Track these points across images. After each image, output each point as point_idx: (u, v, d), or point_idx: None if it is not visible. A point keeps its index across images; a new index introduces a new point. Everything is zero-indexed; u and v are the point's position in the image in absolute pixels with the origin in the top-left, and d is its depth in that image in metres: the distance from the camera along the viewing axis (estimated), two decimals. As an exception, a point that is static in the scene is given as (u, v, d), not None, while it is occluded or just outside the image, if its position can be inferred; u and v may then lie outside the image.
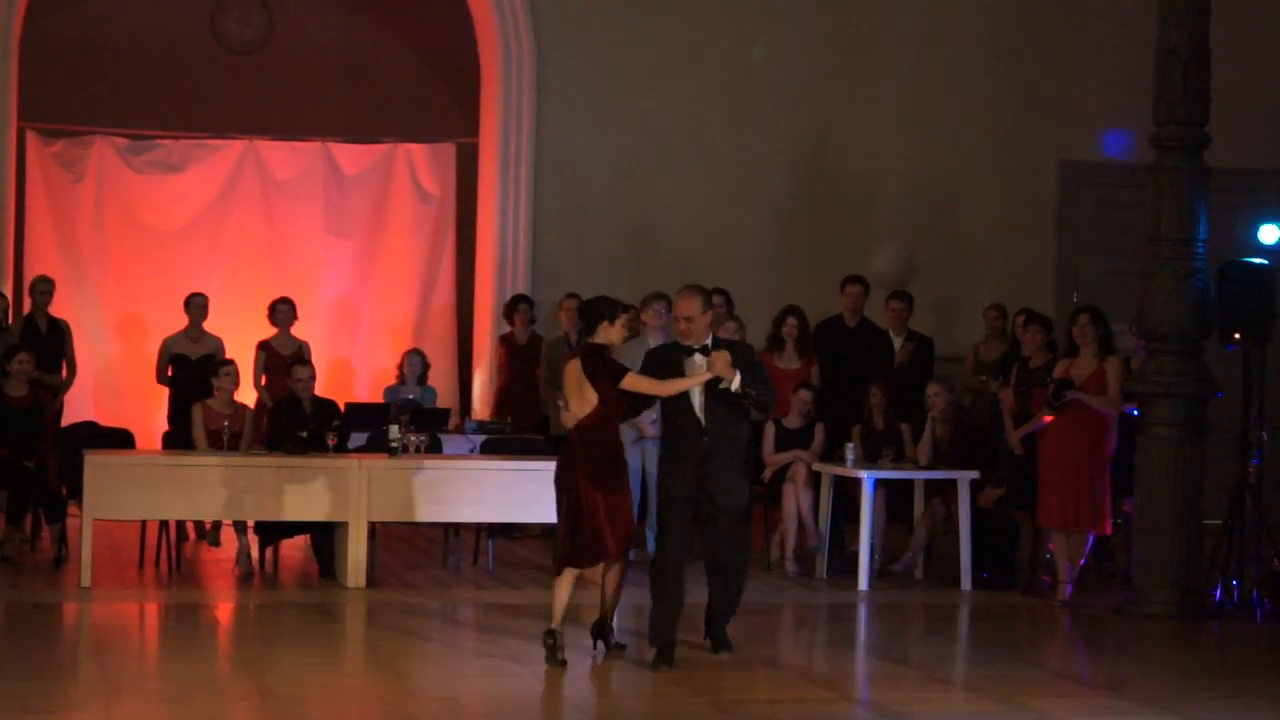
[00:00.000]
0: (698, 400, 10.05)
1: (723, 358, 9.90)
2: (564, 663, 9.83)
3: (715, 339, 10.25)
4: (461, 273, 17.71)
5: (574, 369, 10.00)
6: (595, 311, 10.13)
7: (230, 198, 17.38)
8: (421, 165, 17.69)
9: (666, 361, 10.18)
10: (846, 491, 13.60)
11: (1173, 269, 12.35)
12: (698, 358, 10.05)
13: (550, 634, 9.89)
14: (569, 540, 9.92)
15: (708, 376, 9.91)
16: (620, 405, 9.97)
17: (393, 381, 15.77)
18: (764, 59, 17.14)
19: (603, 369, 9.90)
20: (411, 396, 15.13)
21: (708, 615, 10.49)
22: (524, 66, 16.82)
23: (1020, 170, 17.62)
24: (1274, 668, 10.75)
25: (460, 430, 14.91)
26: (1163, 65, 12.40)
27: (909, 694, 9.62)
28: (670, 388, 9.99)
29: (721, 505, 10.13)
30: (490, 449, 13.97)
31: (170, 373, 14.99)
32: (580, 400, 9.94)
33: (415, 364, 15.61)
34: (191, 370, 14.66)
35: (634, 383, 9.92)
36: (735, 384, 9.93)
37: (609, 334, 10.04)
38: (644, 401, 10.19)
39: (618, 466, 10.02)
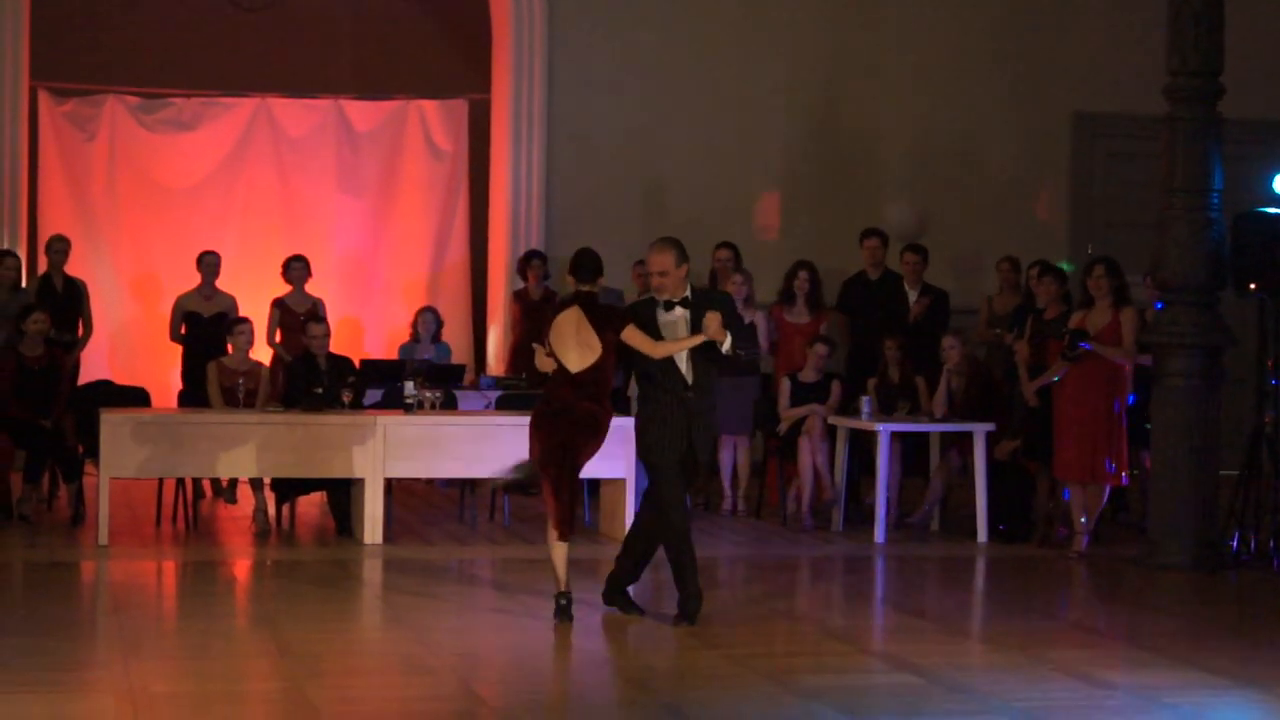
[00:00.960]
0: (683, 358, 9.89)
1: (715, 320, 9.70)
2: (571, 618, 9.87)
3: (693, 291, 10.00)
4: (474, 229, 17.70)
5: (573, 316, 9.80)
6: (594, 263, 9.95)
7: (242, 155, 17.38)
8: (434, 121, 17.67)
9: (642, 317, 9.95)
10: (862, 445, 13.61)
11: (1187, 220, 12.32)
12: (677, 311, 9.90)
13: (563, 595, 9.90)
14: (570, 507, 9.88)
15: (701, 339, 9.75)
16: (614, 355, 9.86)
17: (406, 339, 15.77)
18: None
19: (606, 316, 9.81)
20: (426, 356, 15.13)
21: (615, 577, 10.26)
22: (535, 21, 16.79)
23: (1033, 122, 17.59)
24: (1290, 618, 10.77)
25: (475, 386, 14.92)
26: (1176, 16, 12.35)
27: (926, 646, 9.62)
28: (663, 349, 9.81)
29: (701, 459, 10.04)
30: (505, 405, 13.98)
31: (184, 331, 15.00)
32: (579, 349, 9.77)
33: (429, 322, 15.60)
34: (204, 328, 14.67)
35: (631, 335, 9.75)
36: (727, 346, 9.78)
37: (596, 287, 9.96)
38: (631, 358, 10.00)
39: (605, 428, 9.90)
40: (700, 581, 9.99)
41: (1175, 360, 12.35)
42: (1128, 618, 10.98)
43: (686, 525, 10.00)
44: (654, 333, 9.86)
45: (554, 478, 9.80)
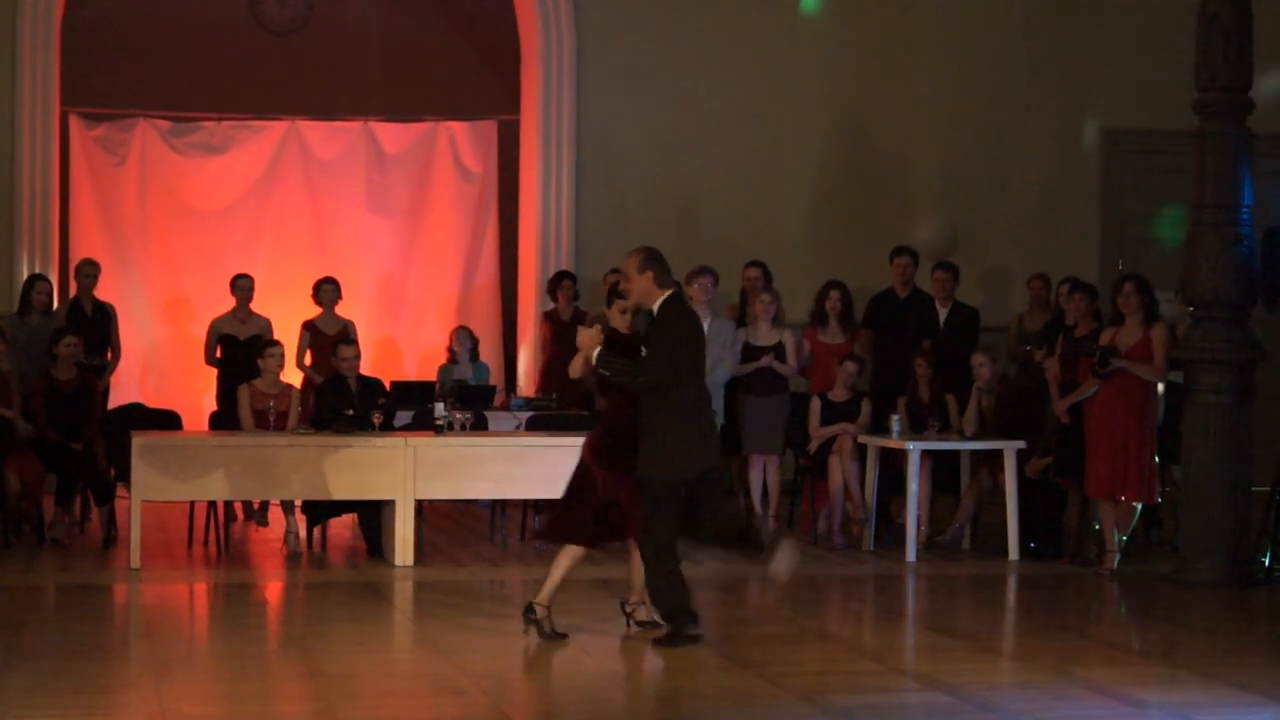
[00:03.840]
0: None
1: (585, 333, 9.78)
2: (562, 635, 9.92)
3: (673, 297, 9.80)
4: (504, 250, 17.74)
5: (594, 337, 9.84)
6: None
7: (273, 178, 17.45)
8: (463, 143, 17.72)
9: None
10: (893, 463, 13.60)
11: (1217, 235, 12.29)
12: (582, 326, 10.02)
13: (538, 608, 9.95)
14: (592, 519, 9.89)
15: (582, 351, 9.77)
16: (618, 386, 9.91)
17: (442, 360, 15.79)
18: (815, 9, 17.08)
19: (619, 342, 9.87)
20: (466, 378, 15.14)
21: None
22: (564, 43, 16.82)
23: (1063, 139, 17.57)
24: (1324, 634, 10.73)
25: (506, 407, 14.93)
26: (1205, 31, 12.33)
27: (957, 665, 9.60)
28: (572, 369, 9.98)
29: (710, 466, 9.87)
30: (536, 425, 13.99)
31: (219, 354, 15.05)
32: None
33: (465, 341, 15.62)
34: (240, 351, 14.70)
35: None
36: (593, 356, 9.69)
37: (616, 321, 9.96)
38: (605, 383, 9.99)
39: (629, 451, 9.83)
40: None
41: (1206, 376, 12.32)
42: (1159, 635, 10.94)
43: (671, 544, 9.89)
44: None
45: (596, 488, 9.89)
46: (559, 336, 15.65)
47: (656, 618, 9.98)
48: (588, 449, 9.90)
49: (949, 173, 17.35)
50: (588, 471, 9.88)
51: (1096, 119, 17.58)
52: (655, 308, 9.77)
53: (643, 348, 9.71)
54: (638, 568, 10.01)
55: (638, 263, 9.81)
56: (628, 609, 10.19)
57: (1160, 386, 12.77)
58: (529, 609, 9.93)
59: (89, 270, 14.97)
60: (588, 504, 9.86)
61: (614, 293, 10.07)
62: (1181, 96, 12.93)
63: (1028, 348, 14.50)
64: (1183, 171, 12.99)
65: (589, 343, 9.73)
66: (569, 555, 9.95)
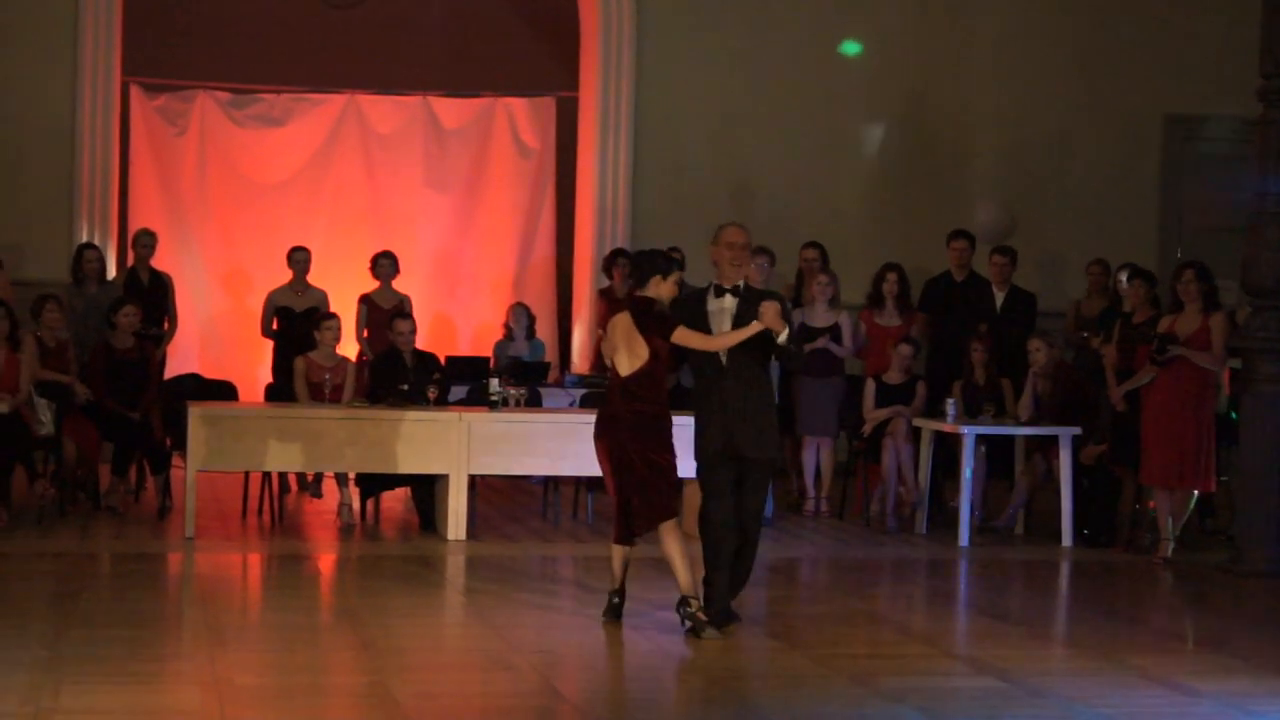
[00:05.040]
0: (725, 351, 9.70)
1: (773, 308, 9.50)
2: (620, 616, 9.85)
3: (745, 285, 9.83)
4: (561, 227, 17.73)
5: (624, 321, 9.77)
6: (649, 265, 9.85)
7: (331, 152, 17.48)
8: (521, 119, 17.71)
9: (692, 310, 9.81)
10: (947, 447, 13.56)
11: (1278, 224, 12.21)
12: (727, 299, 9.73)
13: (615, 593, 9.89)
14: (627, 513, 9.81)
15: (758, 328, 9.52)
16: (668, 360, 9.74)
17: (497, 336, 15.80)
18: (858, 55, 17.08)
19: (654, 322, 9.66)
20: (521, 355, 15.14)
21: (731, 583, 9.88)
22: (624, 20, 16.81)
23: (1123, 124, 17.48)
24: (1379, 627, 10.65)
25: (560, 384, 14.94)
26: (1270, 17, 12.24)
27: (1009, 650, 9.58)
28: (720, 342, 9.64)
29: (748, 455, 9.71)
30: (589, 403, 13.98)
31: (276, 326, 15.09)
32: (629, 354, 9.70)
33: (521, 318, 15.62)
34: (296, 323, 14.76)
35: (684, 336, 9.62)
36: (784, 337, 9.54)
37: (659, 289, 9.74)
38: (684, 358, 9.84)
39: (665, 424, 9.75)
40: (728, 597, 9.74)
41: (1265, 365, 12.25)
42: (1214, 624, 10.89)
43: (715, 533, 9.68)
44: (703, 323, 9.72)
45: (614, 485, 9.80)
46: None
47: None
48: (624, 433, 9.71)
49: (1008, 156, 17.28)
50: (623, 459, 9.78)
51: (1159, 104, 17.47)
52: (742, 286, 9.76)
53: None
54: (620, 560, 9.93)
55: (746, 239, 9.86)
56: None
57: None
58: (685, 608, 9.65)
59: (146, 240, 15.03)
60: (656, 484, 9.76)
61: (673, 262, 9.98)
62: (1246, 83, 12.84)
63: (1085, 334, 14.45)
64: (1244, 158, 12.89)
65: (777, 319, 9.51)
66: (670, 534, 9.71)
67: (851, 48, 17.11)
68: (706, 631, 9.51)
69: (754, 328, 9.54)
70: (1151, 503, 12.81)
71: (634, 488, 9.69)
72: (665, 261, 9.87)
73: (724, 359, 9.71)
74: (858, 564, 12.23)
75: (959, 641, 10.18)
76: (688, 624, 9.58)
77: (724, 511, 9.68)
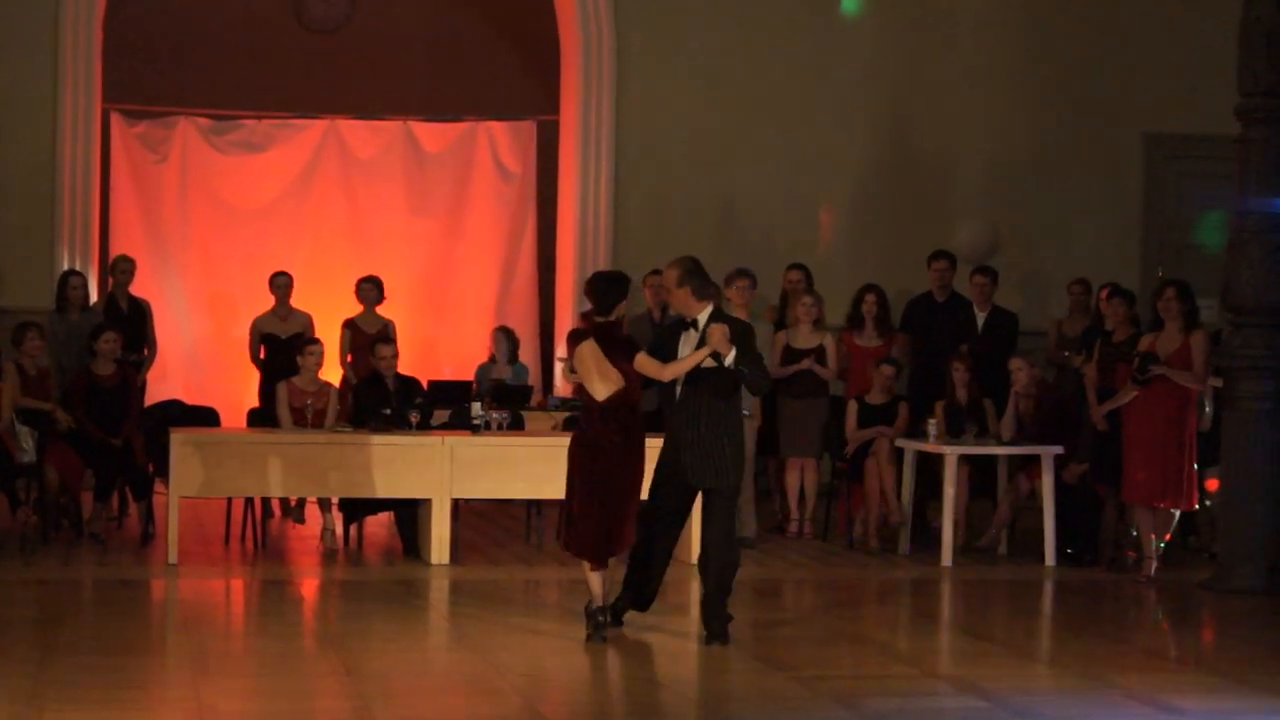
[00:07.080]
0: (680, 380, 9.85)
1: (719, 330, 9.66)
2: (605, 638, 9.90)
3: (716, 312, 9.96)
4: (543, 250, 17.74)
5: (590, 349, 9.86)
6: (615, 292, 10.01)
7: (312, 177, 17.50)
8: (502, 143, 17.73)
9: (665, 338, 10.06)
10: (929, 467, 13.56)
11: (1259, 242, 12.25)
12: (693, 332, 9.89)
13: (600, 611, 9.92)
14: (603, 539, 9.88)
15: (706, 353, 9.68)
16: (638, 382, 9.85)
17: (479, 360, 15.80)
18: (856, 10, 17.08)
19: (620, 347, 9.82)
20: (504, 378, 15.14)
21: (701, 602, 10.21)
22: (604, 43, 16.83)
23: (1104, 143, 17.52)
24: (1363, 643, 10.66)
25: (543, 407, 14.93)
26: (1247, 34, 12.28)
27: (992, 670, 9.58)
28: (669, 372, 9.78)
29: (699, 483, 9.91)
30: (573, 426, 13.95)
31: (263, 354, 15.10)
32: (601, 380, 9.80)
33: (503, 341, 15.61)
34: (282, 350, 14.76)
35: (642, 363, 9.78)
36: (730, 359, 9.66)
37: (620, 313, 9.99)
38: (650, 381, 9.94)
39: (640, 449, 9.87)
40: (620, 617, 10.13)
41: (1247, 383, 12.28)
42: (1197, 642, 10.91)
43: (636, 553, 10.08)
44: (672, 354, 9.88)
45: (593, 513, 9.83)
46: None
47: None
48: (603, 462, 9.81)
49: (990, 176, 17.31)
50: (600, 486, 9.84)
51: (1138, 124, 17.52)
52: (706, 315, 9.86)
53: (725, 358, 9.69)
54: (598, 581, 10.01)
55: (676, 276, 9.93)
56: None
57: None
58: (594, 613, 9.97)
59: (125, 267, 15.04)
60: (613, 514, 9.86)
61: (621, 294, 10.09)
62: (1224, 101, 12.88)
63: (1067, 353, 14.47)
64: (1225, 177, 12.93)
65: (723, 342, 9.66)
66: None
67: (850, 4, 17.13)
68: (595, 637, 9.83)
69: (700, 354, 9.71)
70: (1135, 520, 12.83)
71: (613, 512, 9.81)
72: (625, 286, 10.09)
73: (678, 387, 9.84)
74: (842, 585, 12.23)
75: (943, 662, 10.18)
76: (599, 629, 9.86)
77: (653, 537, 10.04)
